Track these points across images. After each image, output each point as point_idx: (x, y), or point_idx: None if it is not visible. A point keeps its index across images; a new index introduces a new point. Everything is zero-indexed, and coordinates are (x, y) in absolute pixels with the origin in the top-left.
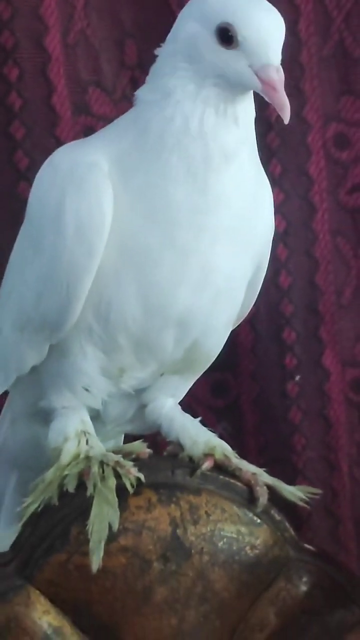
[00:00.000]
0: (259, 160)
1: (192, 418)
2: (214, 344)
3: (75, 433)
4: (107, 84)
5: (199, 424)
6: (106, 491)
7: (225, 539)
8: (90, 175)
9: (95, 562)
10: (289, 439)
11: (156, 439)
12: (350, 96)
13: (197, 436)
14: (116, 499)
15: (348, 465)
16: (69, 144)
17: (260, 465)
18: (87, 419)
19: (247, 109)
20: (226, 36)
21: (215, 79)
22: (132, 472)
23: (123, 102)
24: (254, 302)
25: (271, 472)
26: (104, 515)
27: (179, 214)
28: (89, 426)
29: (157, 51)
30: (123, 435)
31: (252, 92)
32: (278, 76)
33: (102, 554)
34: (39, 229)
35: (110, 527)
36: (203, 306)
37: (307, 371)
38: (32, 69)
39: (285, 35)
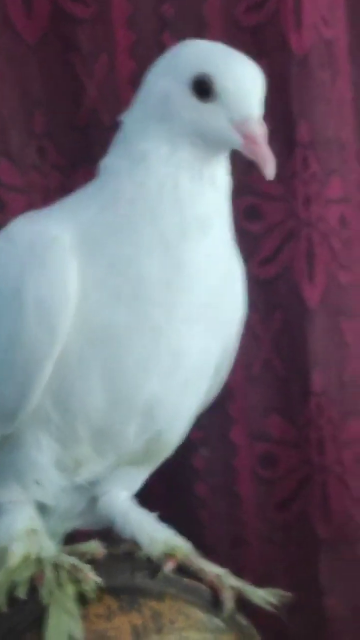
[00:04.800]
0: (231, 232)
1: (147, 513)
2: (177, 435)
3: (24, 532)
4: (15, 154)
5: (155, 520)
6: (64, 599)
7: None
8: (52, 251)
9: None
10: (195, 513)
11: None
12: None
13: (154, 533)
14: (77, 608)
15: (256, 541)
16: (26, 215)
17: None
18: (36, 515)
19: (223, 172)
20: (203, 89)
21: (191, 137)
22: (90, 577)
23: (30, 172)
24: (218, 389)
25: None
26: (62, 626)
27: (151, 290)
28: (38, 524)
29: (122, 116)
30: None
31: (226, 157)
32: (260, 129)
33: None
34: None
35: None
36: (171, 394)
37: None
38: None
39: None
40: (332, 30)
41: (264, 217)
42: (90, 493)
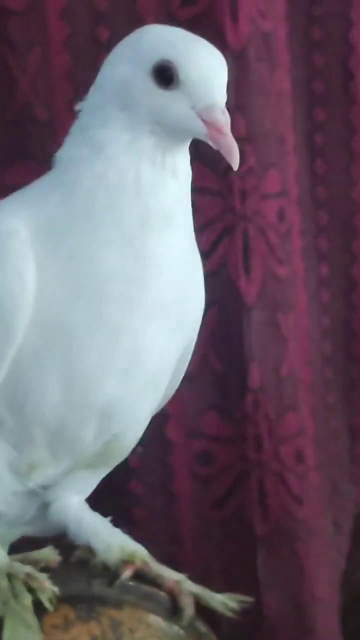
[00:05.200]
0: (192, 224)
1: (102, 518)
2: (134, 437)
3: None
4: None
5: (110, 525)
6: (22, 610)
7: None
8: (9, 245)
9: None
10: (130, 511)
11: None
12: None
13: (110, 539)
14: (36, 620)
15: (192, 539)
16: None
17: None
18: None
19: (185, 162)
20: (165, 76)
21: (152, 126)
22: (47, 586)
23: None
24: (174, 390)
25: None
26: (19, 638)
27: (111, 285)
28: None
29: (79, 106)
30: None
31: (187, 146)
32: (224, 118)
33: None
34: None
35: None
36: (129, 394)
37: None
38: None
39: None
40: (270, 23)
41: (199, 211)
42: (41, 498)
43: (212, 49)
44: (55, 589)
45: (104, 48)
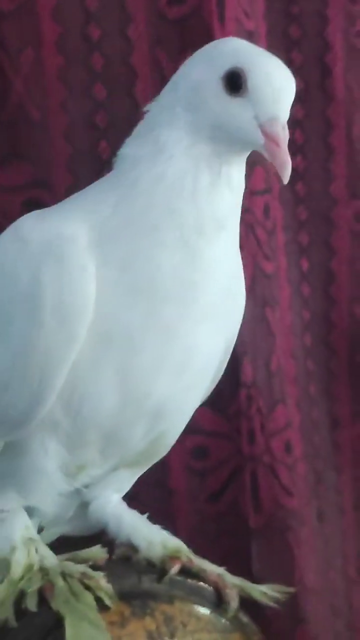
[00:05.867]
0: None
1: (139, 515)
2: (177, 434)
3: (22, 541)
4: None
5: (149, 522)
6: (84, 609)
7: None
8: (71, 251)
9: None
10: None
11: None
12: None
13: (151, 536)
14: (100, 617)
15: (187, 534)
16: (36, 211)
17: None
18: (30, 523)
19: (240, 175)
20: (235, 83)
21: (212, 131)
22: (104, 584)
23: None
24: (213, 387)
25: None
26: (83, 636)
27: (167, 287)
28: (34, 532)
29: (148, 107)
30: None
31: (244, 159)
32: (284, 133)
33: None
34: (4, 312)
35: None
36: (178, 393)
37: None
38: None
39: None
40: (252, 22)
41: None
42: (81, 497)
43: (283, 66)
44: (110, 586)
45: (95, 47)
